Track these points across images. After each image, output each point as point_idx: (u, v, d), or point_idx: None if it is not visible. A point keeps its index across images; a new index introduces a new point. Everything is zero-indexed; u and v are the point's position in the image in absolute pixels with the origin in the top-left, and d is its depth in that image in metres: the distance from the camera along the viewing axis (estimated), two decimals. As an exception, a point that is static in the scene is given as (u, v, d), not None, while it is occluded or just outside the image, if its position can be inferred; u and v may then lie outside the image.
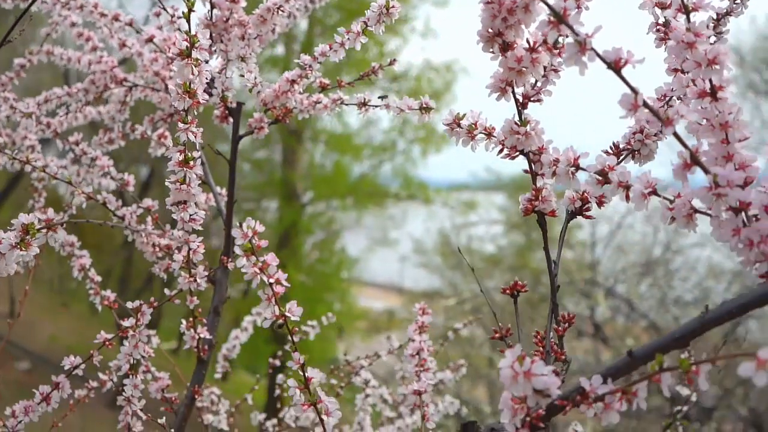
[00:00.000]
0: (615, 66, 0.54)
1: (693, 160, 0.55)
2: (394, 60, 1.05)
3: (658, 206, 0.63)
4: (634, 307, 6.68)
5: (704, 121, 0.59)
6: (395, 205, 12.77)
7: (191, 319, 1.02)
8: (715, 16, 0.76)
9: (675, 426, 1.13)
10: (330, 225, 12.57)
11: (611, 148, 0.73)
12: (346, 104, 1.02)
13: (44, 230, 0.70)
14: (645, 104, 0.54)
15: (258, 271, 0.66)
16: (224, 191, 1.17)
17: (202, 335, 1.02)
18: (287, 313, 0.67)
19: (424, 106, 0.88)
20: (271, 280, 0.66)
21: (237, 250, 0.66)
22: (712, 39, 0.76)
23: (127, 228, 1.04)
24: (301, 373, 0.69)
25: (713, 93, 0.57)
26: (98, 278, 1.15)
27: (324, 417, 0.69)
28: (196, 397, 1.04)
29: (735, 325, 6.04)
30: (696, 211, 0.58)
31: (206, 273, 0.97)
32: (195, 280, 0.95)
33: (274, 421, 1.49)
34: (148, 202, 1.11)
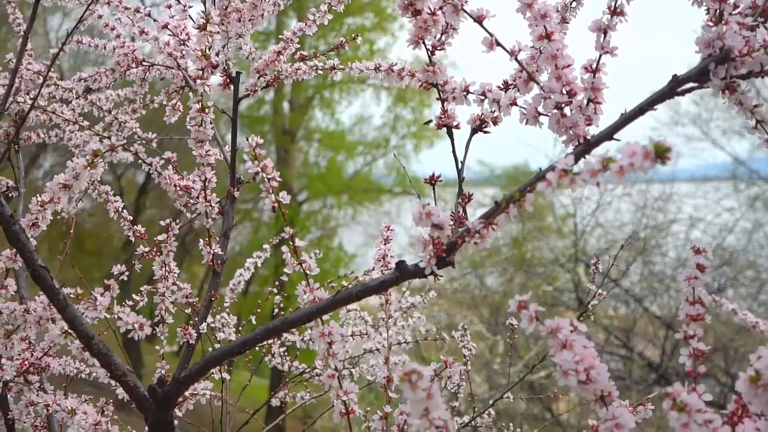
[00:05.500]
0: (479, 20, 0.85)
1: (530, 78, 0.86)
2: (357, 35, 1.37)
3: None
4: (617, 283, 7.03)
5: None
6: (390, 200, 13.08)
7: (207, 238, 1.33)
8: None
9: (588, 314, 1.45)
10: (326, 222, 12.88)
11: (502, 83, 1.04)
12: (321, 69, 1.33)
13: (108, 152, 1.01)
14: (497, 43, 0.85)
15: (260, 170, 0.97)
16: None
17: (215, 251, 1.33)
18: (280, 198, 0.98)
19: (377, 66, 1.19)
20: (269, 176, 0.97)
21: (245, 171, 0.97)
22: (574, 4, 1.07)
23: (155, 171, 1.35)
24: (291, 243, 1.00)
25: (548, 36, 0.89)
26: (130, 217, 1.46)
27: (307, 272, 1.00)
28: (213, 299, 1.35)
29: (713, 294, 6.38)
30: (539, 113, 0.89)
31: (218, 199, 1.28)
32: (210, 204, 1.26)
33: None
34: (168, 154, 1.42)
